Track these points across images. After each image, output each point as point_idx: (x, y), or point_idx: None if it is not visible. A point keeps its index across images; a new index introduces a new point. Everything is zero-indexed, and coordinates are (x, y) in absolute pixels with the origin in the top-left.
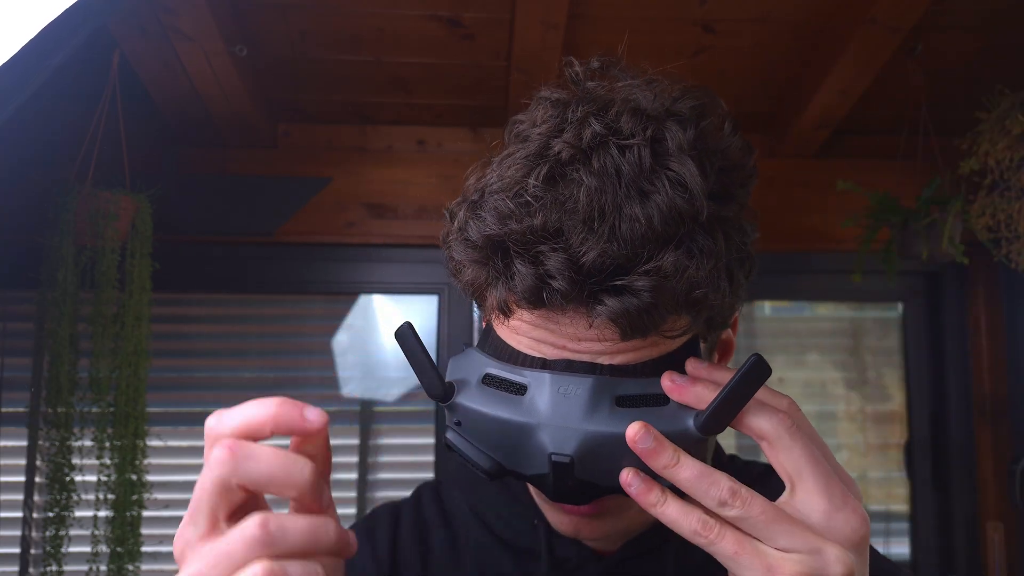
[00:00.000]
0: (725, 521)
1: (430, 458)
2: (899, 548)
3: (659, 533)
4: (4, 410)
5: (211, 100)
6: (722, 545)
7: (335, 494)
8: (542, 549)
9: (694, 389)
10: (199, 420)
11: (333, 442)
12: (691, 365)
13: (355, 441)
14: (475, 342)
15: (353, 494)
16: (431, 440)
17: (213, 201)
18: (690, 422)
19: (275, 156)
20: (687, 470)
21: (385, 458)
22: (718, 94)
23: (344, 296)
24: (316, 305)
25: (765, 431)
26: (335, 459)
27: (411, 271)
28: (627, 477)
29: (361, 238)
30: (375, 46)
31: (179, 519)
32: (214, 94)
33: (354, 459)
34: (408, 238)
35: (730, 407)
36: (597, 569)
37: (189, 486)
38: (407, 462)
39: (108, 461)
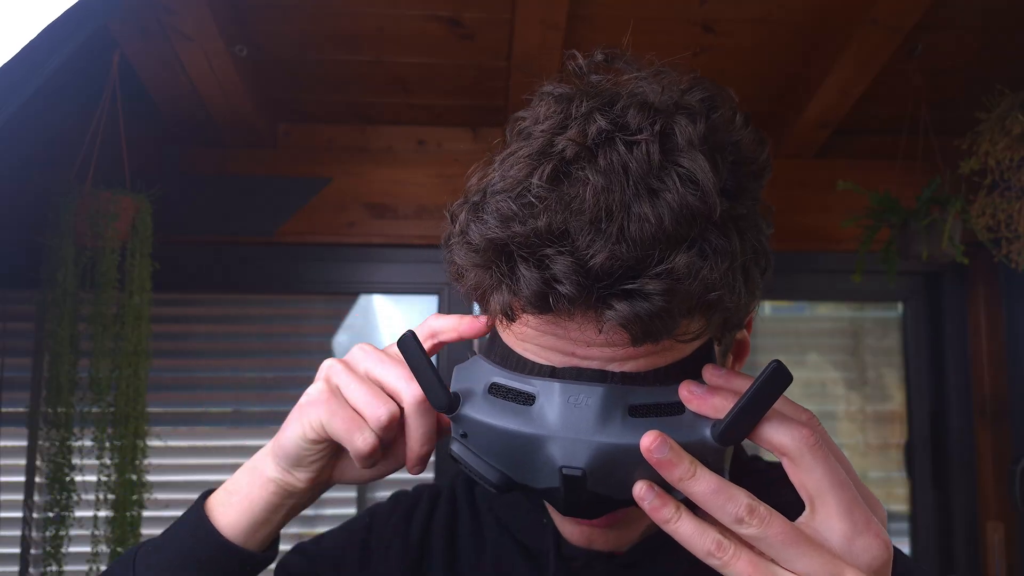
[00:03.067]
0: (740, 540)
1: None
2: (899, 548)
3: None
4: (4, 410)
5: (211, 100)
6: (737, 567)
7: (334, 495)
8: (549, 548)
9: (712, 400)
10: (199, 420)
11: None
12: (709, 372)
13: None
14: (476, 347)
15: (353, 494)
16: None
17: (213, 201)
18: (707, 432)
19: (275, 156)
20: (704, 483)
21: None
22: None
23: (344, 296)
24: (316, 305)
25: (786, 447)
26: None
27: (411, 271)
28: (640, 491)
29: (361, 238)
30: (375, 46)
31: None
32: (214, 94)
33: None
34: (408, 238)
35: (749, 417)
36: (607, 568)
37: (189, 486)
38: None
39: (108, 461)
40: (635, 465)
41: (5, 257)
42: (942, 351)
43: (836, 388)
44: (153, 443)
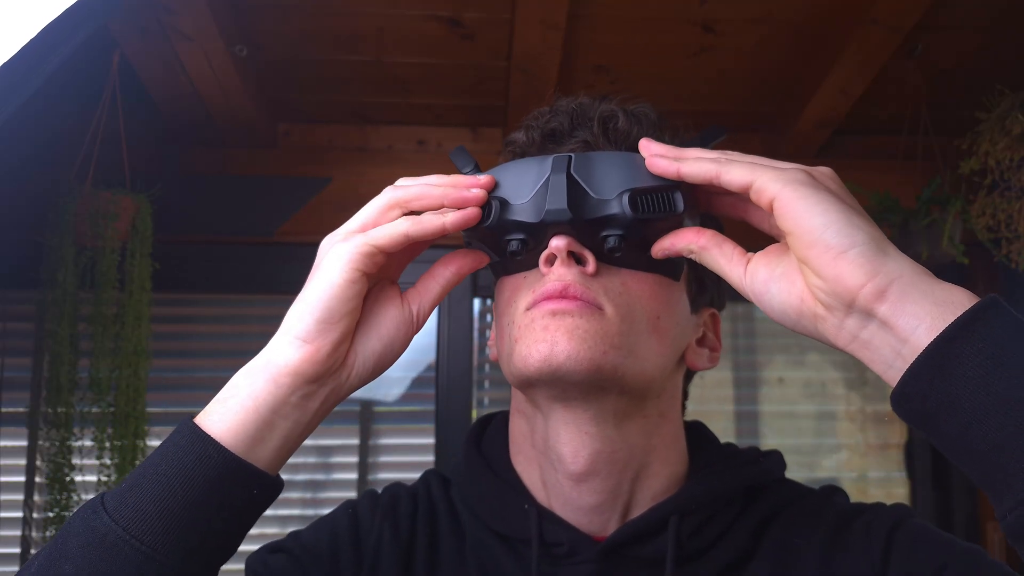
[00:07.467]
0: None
1: (430, 458)
2: None
3: (657, 514)
4: (4, 410)
5: (211, 100)
6: (734, 169)
7: (334, 495)
8: (532, 534)
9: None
10: None
11: (332, 442)
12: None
13: (355, 441)
14: (475, 346)
15: (353, 494)
16: (431, 440)
17: (213, 201)
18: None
19: (275, 156)
20: (692, 159)
21: (385, 458)
22: (718, 94)
23: None
24: None
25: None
26: (334, 460)
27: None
28: (645, 140)
29: None
30: (375, 46)
31: None
32: (214, 94)
33: (354, 459)
34: None
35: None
36: (590, 554)
37: None
38: (407, 462)
39: (108, 461)
40: (617, 169)
41: (5, 257)
42: None
43: (836, 388)
44: (153, 443)
